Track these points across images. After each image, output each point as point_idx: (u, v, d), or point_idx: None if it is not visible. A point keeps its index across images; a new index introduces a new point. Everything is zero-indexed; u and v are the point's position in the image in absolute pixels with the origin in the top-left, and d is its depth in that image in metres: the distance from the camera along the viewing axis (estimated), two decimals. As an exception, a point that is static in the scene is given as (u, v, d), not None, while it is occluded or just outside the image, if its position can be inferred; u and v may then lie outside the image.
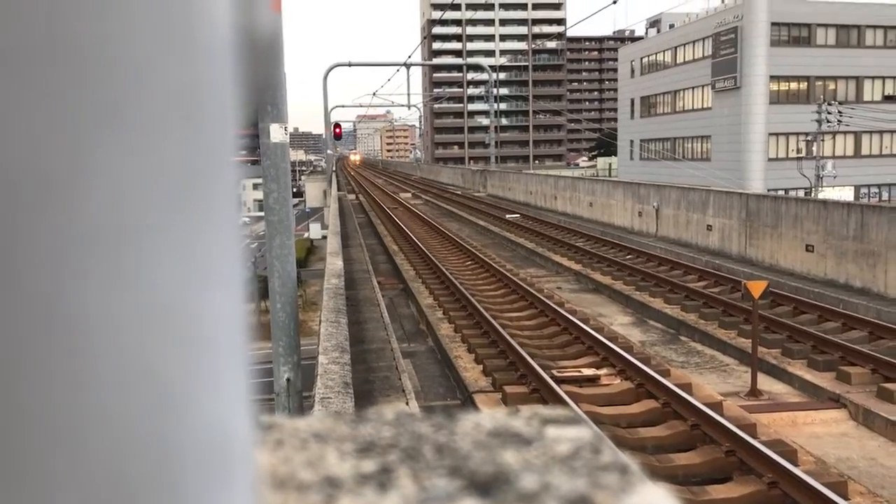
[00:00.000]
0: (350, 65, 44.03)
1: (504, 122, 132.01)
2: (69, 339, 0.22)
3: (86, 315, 0.23)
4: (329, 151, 51.07)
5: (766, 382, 10.42)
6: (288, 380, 8.48)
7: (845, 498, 6.64)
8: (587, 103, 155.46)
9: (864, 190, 46.35)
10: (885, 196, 46.87)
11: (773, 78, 45.94)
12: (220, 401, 0.26)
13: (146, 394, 0.24)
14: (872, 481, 7.55)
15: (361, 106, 74.63)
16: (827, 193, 38.27)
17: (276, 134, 7.93)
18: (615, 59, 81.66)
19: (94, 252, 0.23)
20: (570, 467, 0.46)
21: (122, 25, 0.23)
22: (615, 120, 73.77)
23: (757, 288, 10.41)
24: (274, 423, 0.52)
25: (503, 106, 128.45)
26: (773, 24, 45.53)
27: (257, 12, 0.32)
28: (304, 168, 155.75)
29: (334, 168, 54.86)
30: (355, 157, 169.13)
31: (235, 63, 0.28)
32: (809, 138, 41.18)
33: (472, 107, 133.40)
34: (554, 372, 10.24)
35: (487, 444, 0.49)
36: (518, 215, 30.62)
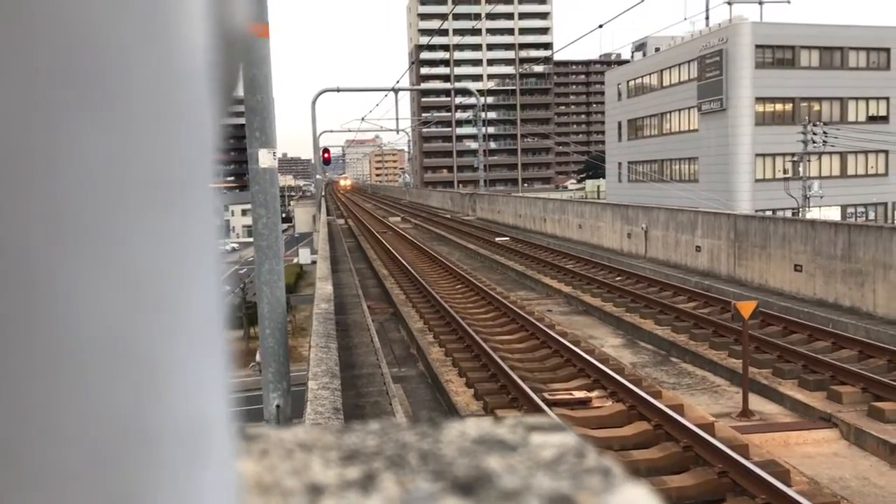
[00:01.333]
0: (338, 90, 44.21)
1: (492, 145, 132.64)
2: (51, 320, 0.22)
3: (68, 297, 0.23)
4: (318, 176, 51.14)
5: (757, 403, 10.43)
6: (278, 406, 8.42)
7: (839, 517, 6.63)
8: (575, 126, 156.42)
9: (850, 209, 46.68)
10: (871, 215, 47.21)
11: (758, 100, 46.37)
12: (199, 382, 0.27)
13: (126, 374, 0.24)
14: (865, 501, 7.55)
15: (350, 131, 74.90)
16: (814, 213, 38.53)
17: (265, 159, 7.94)
18: (602, 83, 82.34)
19: (72, 236, 0.23)
20: (553, 471, 0.47)
21: (102, 15, 0.23)
22: (603, 142, 74.28)
23: (746, 308, 10.43)
24: (259, 433, 0.52)
25: (491, 129, 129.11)
26: (758, 46, 46.03)
27: (233, 11, 0.33)
28: (292, 193, 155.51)
29: (323, 193, 54.92)
30: (346, 182, 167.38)
31: (212, 60, 0.28)
32: (796, 159, 41.52)
33: (460, 131, 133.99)
34: (545, 395, 10.21)
35: (472, 451, 0.49)
36: (507, 238, 30.68)
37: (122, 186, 0.24)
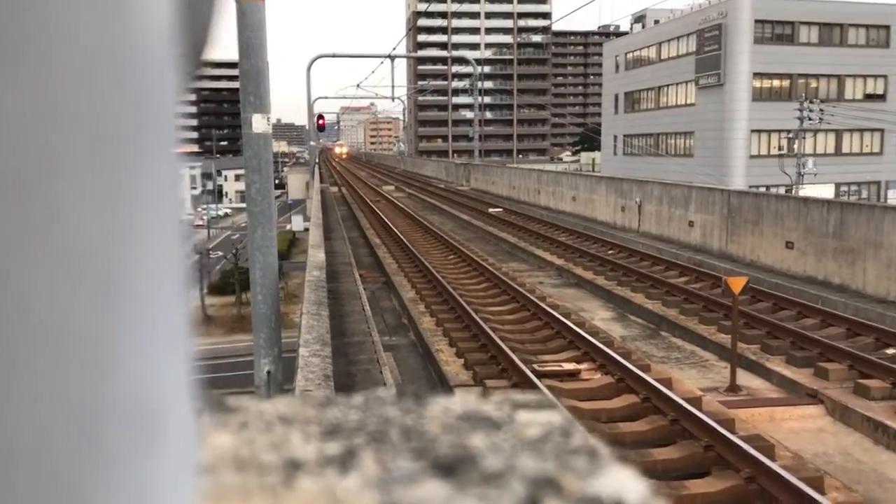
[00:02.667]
0: (334, 56, 43.91)
1: (488, 115, 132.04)
2: None
3: (3, 273, 0.21)
4: (312, 143, 50.89)
5: (745, 378, 10.50)
6: (269, 372, 8.45)
7: (821, 493, 6.70)
8: (571, 98, 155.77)
9: (844, 188, 46.75)
10: (864, 194, 47.31)
11: (756, 75, 46.20)
12: (152, 357, 0.25)
13: (67, 349, 0.22)
14: (848, 476, 7.63)
15: (345, 98, 74.46)
16: (808, 191, 38.55)
17: (259, 124, 7.89)
18: (600, 54, 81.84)
19: (4, 204, 0.21)
20: (538, 450, 0.46)
21: None
22: (599, 115, 73.98)
23: (737, 284, 10.47)
24: (239, 405, 0.51)
25: (487, 99, 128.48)
26: (757, 21, 45.77)
27: None
28: (286, 160, 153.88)
29: (317, 160, 54.69)
30: (341, 150, 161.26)
31: (171, 11, 0.26)
32: (791, 136, 41.48)
33: (456, 100, 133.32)
34: (535, 366, 10.26)
35: (456, 428, 0.48)
36: (501, 209, 30.66)
37: (62, 148, 0.22)
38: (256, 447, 0.45)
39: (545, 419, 0.49)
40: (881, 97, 47.90)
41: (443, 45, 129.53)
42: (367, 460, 0.44)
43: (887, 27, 47.66)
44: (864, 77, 48.05)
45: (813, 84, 47.32)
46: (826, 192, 42.05)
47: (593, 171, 73.04)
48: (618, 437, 8.08)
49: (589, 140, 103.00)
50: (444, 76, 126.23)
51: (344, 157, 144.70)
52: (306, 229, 26.81)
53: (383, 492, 0.41)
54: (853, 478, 7.61)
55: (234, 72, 8.17)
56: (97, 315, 0.23)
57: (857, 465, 7.96)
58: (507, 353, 10.37)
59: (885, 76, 47.94)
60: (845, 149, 48.10)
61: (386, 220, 27.13)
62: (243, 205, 9.23)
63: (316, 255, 12.62)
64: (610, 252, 19.97)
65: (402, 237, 22.25)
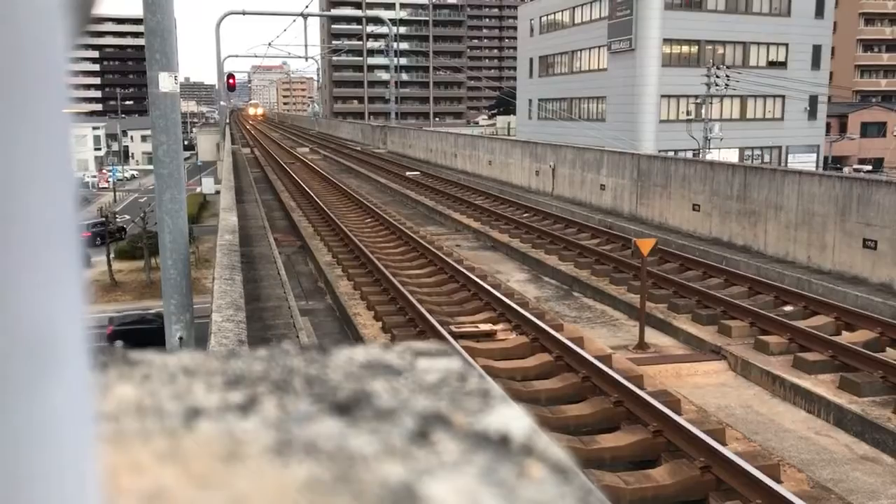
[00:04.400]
0: (244, 13, 42.68)
1: (404, 77, 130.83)
2: None
3: None
4: (222, 103, 49.58)
5: (653, 336, 10.85)
6: (180, 338, 8.29)
7: (723, 444, 7.03)
8: (487, 61, 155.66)
9: (747, 152, 48.38)
10: (766, 158, 49.08)
11: (666, 41, 47.08)
12: (43, 292, 0.24)
13: None
14: (747, 427, 8.03)
15: (256, 56, 72.51)
16: (714, 155, 39.73)
17: (166, 83, 7.63)
18: (515, 17, 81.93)
19: None
20: (434, 393, 0.48)
21: None
22: (514, 79, 74.28)
23: (646, 245, 10.78)
24: (142, 358, 0.51)
25: (403, 61, 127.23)
26: (667, -13, 46.57)
27: None
28: (195, 120, 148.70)
29: (228, 121, 53.32)
30: (256, 111, 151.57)
31: None
32: (698, 101, 42.57)
33: (372, 61, 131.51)
34: (452, 327, 10.37)
35: (358, 376, 0.49)
36: (418, 173, 30.62)
37: None
38: (159, 397, 0.46)
39: (444, 365, 0.51)
40: (783, 64, 49.55)
41: (357, 4, 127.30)
42: (268, 405, 0.45)
43: (789, -4, 49.17)
44: (767, 45, 49.56)
45: (720, 50, 48.56)
46: (731, 156, 43.43)
47: (509, 135, 73.46)
48: (532, 395, 8.27)
49: (505, 104, 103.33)
50: (358, 36, 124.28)
51: (260, 118, 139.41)
52: (217, 192, 26.20)
53: (280, 430, 0.43)
54: (752, 428, 8.01)
55: (140, 28, 7.87)
56: None
57: (755, 417, 8.38)
58: (425, 315, 10.44)
59: (786, 44, 49.56)
60: (749, 114, 49.68)
61: (301, 182, 26.76)
62: (151, 167, 8.96)
63: (228, 219, 12.37)
64: (525, 215, 20.23)
65: (317, 200, 22.01)
